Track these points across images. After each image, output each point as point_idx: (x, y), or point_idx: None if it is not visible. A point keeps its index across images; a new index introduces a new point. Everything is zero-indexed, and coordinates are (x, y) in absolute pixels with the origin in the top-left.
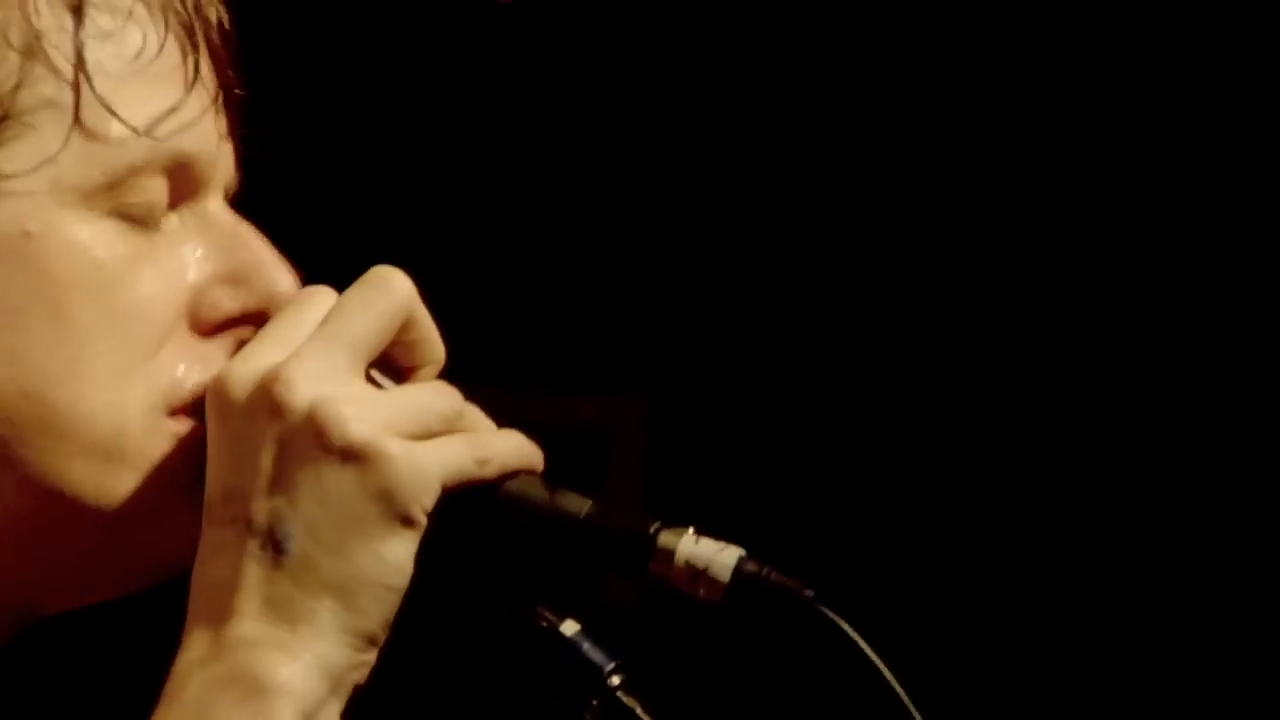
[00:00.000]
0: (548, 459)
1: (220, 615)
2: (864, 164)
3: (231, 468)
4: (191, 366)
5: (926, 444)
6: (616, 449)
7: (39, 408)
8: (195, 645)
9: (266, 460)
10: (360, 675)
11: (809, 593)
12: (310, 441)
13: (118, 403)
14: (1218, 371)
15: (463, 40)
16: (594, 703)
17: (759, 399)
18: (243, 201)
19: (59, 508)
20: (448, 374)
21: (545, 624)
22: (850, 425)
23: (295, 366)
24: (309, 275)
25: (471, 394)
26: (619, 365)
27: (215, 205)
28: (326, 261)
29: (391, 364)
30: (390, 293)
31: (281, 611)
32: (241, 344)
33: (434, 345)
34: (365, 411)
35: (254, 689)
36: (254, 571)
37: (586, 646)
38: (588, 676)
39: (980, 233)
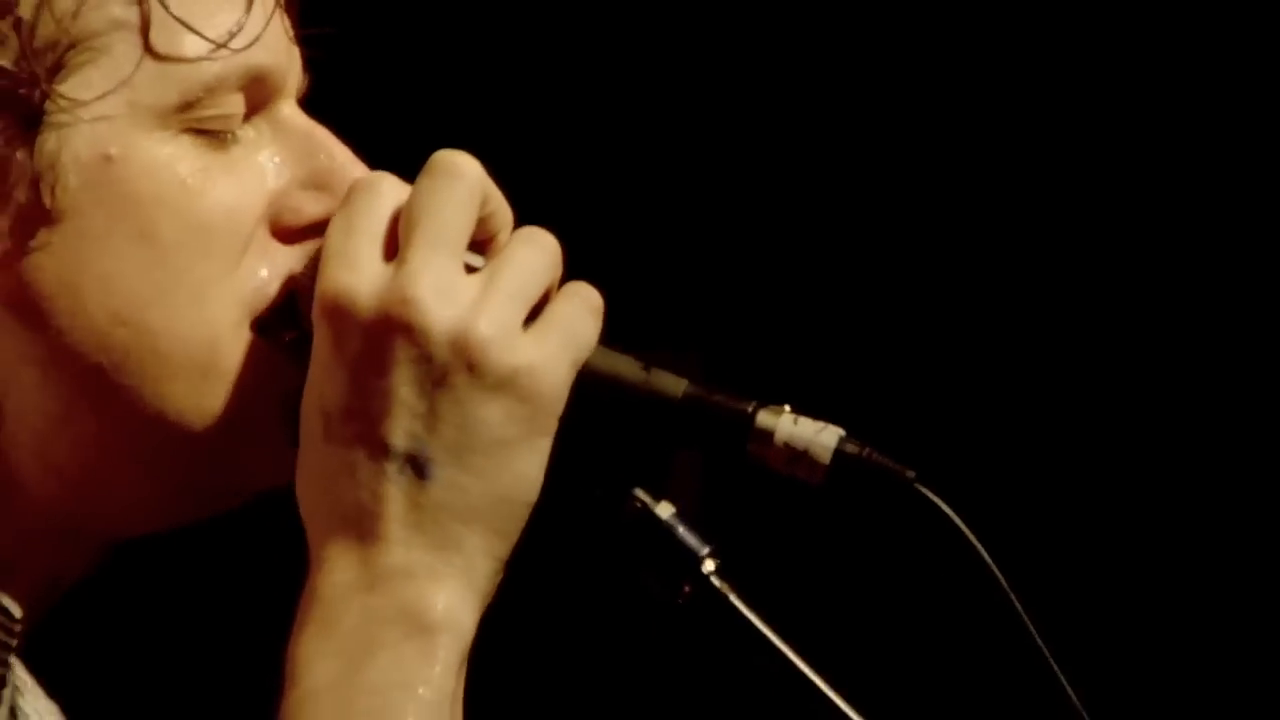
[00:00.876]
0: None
1: (364, 540)
2: (908, 120)
3: (353, 385)
4: (274, 272)
5: (986, 369)
6: None
7: (134, 332)
8: (342, 568)
9: (400, 383)
10: (493, 594)
11: (910, 473)
12: (453, 368)
13: (208, 318)
14: (1219, 365)
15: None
16: (686, 587)
17: (810, 355)
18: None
19: (160, 432)
20: None
21: (640, 506)
22: (913, 378)
23: (418, 284)
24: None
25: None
26: (671, 326)
27: (289, 110)
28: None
29: (472, 240)
30: (466, 178)
31: (430, 537)
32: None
33: (505, 211)
34: (501, 322)
35: (417, 623)
36: (395, 496)
37: (682, 530)
38: (682, 560)
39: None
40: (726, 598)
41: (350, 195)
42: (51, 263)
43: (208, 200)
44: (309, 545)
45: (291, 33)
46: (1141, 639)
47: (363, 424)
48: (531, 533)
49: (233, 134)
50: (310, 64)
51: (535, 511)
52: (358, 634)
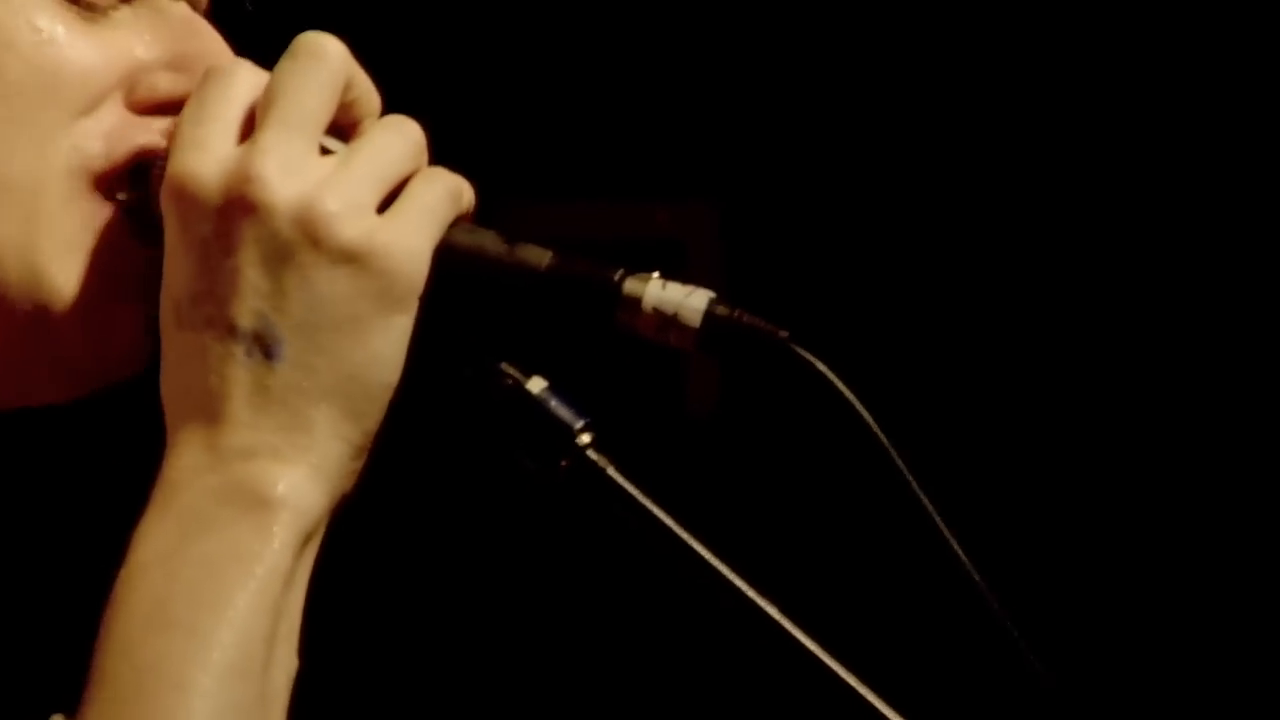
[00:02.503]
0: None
1: (211, 422)
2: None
3: (201, 269)
4: (119, 137)
5: (998, 244)
6: (692, 258)
7: None
8: (186, 452)
9: (245, 262)
10: (352, 482)
11: (783, 333)
12: (298, 244)
13: (40, 161)
14: (1219, 364)
15: None
16: (563, 462)
17: (830, 204)
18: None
19: None
20: (521, 180)
21: (510, 382)
22: (922, 224)
23: (264, 161)
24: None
25: (547, 207)
26: (691, 173)
27: (177, 4)
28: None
29: (334, 125)
30: (328, 59)
31: (276, 418)
32: None
33: (372, 97)
34: (349, 199)
35: (254, 502)
36: (242, 377)
37: (554, 404)
38: (556, 435)
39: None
40: (604, 471)
41: (204, 80)
42: None
43: (59, 50)
44: (166, 436)
45: None
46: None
47: (211, 307)
48: (402, 417)
49: (103, 8)
50: None
51: (403, 395)
52: (193, 510)
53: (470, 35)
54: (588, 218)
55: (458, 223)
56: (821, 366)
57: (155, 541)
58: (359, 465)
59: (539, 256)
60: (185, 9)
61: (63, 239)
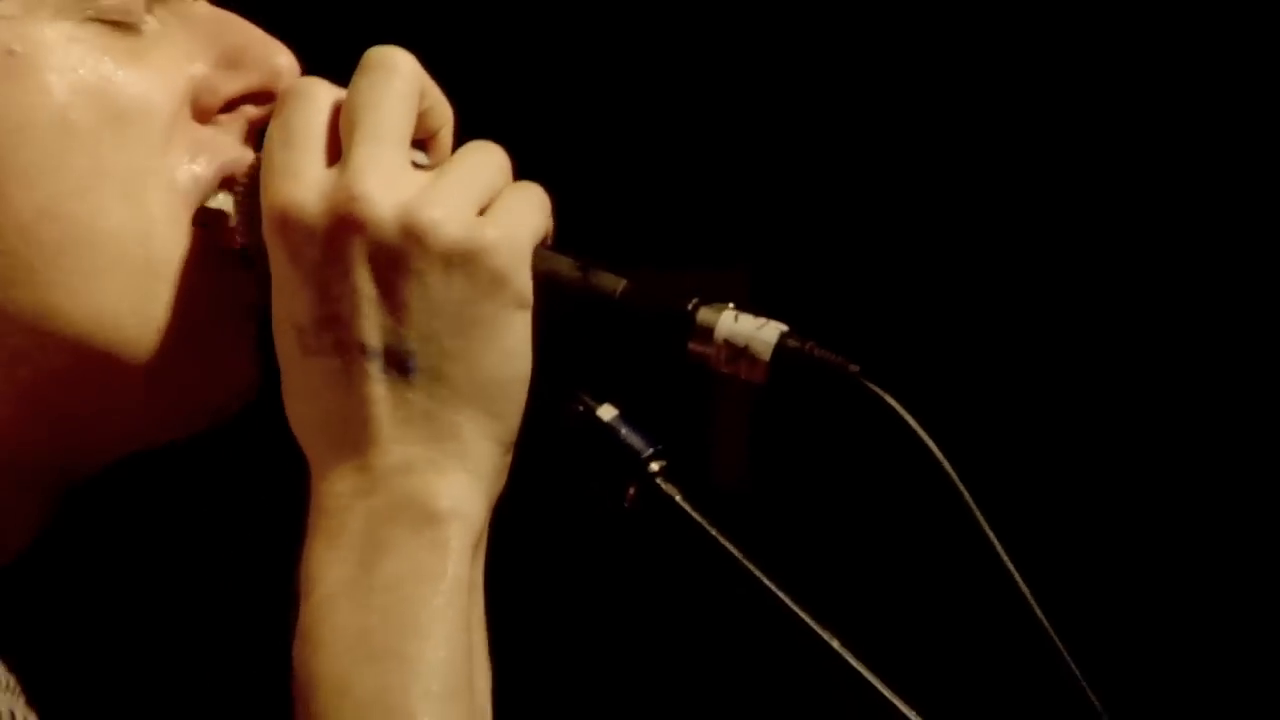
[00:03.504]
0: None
1: (359, 445)
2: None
3: (320, 294)
4: (202, 157)
5: (1028, 312)
6: None
7: (65, 225)
8: (340, 478)
9: (362, 280)
10: (503, 480)
11: (855, 368)
12: (410, 253)
13: (140, 209)
14: (1219, 368)
15: None
16: (631, 490)
17: (860, 271)
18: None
19: (99, 339)
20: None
21: (582, 408)
22: (953, 294)
23: (363, 179)
24: None
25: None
26: (722, 240)
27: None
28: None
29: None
30: (401, 71)
31: (424, 430)
32: (251, 125)
33: (444, 106)
34: (451, 206)
35: (424, 516)
36: (382, 395)
37: (625, 431)
38: (625, 462)
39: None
40: (672, 500)
41: (282, 104)
42: None
43: (119, 86)
44: (310, 465)
45: None
46: (1102, 544)
47: (335, 330)
48: None
49: (135, 24)
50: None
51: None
52: (366, 535)
53: (506, 102)
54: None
55: (536, 247)
56: (892, 401)
57: (333, 571)
58: (508, 462)
59: (613, 283)
60: (208, 5)
61: (182, 287)
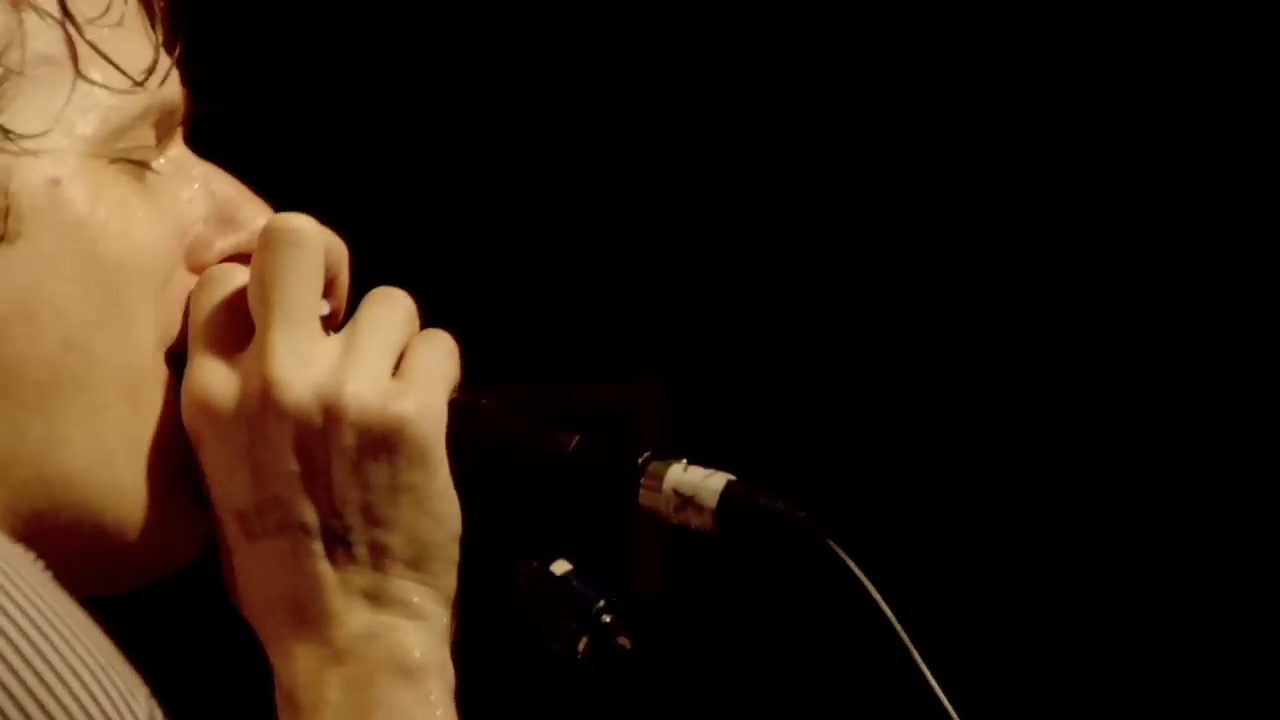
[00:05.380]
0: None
1: (317, 623)
2: (881, 152)
3: (256, 479)
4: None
5: (951, 425)
6: (640, 433)
7: (83, 358)
8: (302, 657)
9: (292, 463)
10: (450, 634)
11: (801, 514)
12: (334, 434)
13: (138, 345)
14: (1218, 371)
15: (471, 28)
16: (584, 640)
17: (780, 380)
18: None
19: (93, 480)
20: (470, 363)
21: (535, 563)
22: (870, 405)
23: (277, 364)
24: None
25: (492, 384)
26: (640, 350)
27: (181, 149)
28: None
29: None
30: (305, 242)
31: (376, 599)
32: None
33: (340, 250)
34: (366, 376)
35: (402, 671)
36: (328, 572)
37: (576, 584)
38: (577, 614)
39: (994, 220)
40: (624, 648)
41: (198, 289)
42: (6, 286)
43: (140, 226)
44: (266, 648)
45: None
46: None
47: (276, 513)
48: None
49: (150, 166)
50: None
51: None
52: (347, 703)
53: (410, 215)
54: (536, 396)
55: (476, 399)
56: (836, 547)
57: None
58: (451, 612)
59: (566, 439)
60: (193, 157)
61: (161, 425)
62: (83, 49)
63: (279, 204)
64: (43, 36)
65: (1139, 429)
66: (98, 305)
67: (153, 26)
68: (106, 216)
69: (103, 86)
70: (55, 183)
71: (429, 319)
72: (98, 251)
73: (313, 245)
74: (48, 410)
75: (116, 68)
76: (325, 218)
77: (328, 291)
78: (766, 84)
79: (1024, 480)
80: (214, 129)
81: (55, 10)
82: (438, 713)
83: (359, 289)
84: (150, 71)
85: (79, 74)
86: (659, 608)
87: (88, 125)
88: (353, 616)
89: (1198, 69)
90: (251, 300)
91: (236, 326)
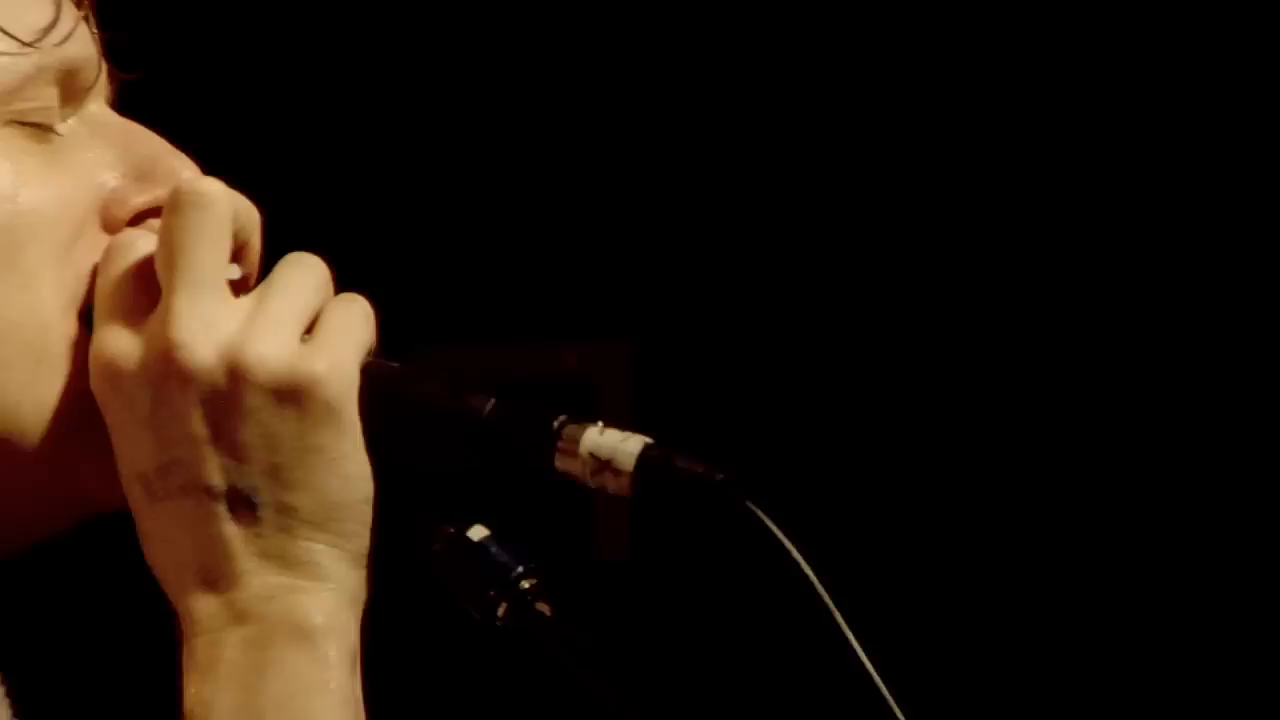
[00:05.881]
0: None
1: (219, 583)
2: (849, 123)
3: (158, 442)
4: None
5: (913, 385)
6: (601, 398)
7: None
8: (204, 617)
9: (197, 425)
10: (364, 594)
11: (719, 476)
12: (239, 394)
13: (37, 303)
14: (1218, 371)
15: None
16: (503, 607)
17: (740, 343)
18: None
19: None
20: (426, 324)
21: (452, 530)
22: (832, 367)
23: (180, 326)
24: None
25: (453, 349)
26: (600, 314)
27: (100, 108)
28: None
29: None
30: (212, 205)
31: (280, 560)
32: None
33: (252, 215)
34: (274, 339)
35: (299, 633)
36: (234, 533)
37: (495, 550)
38: (496, 580)
39: (956, 189)
40: (544, 615)
41: (106, 255)
42: None
43: (34, 188)
44: (174, 608)
45: (97, 33)
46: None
47: (178, 474)
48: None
49: (52, 128)
50: (114, 73)
51: None
52: (245, 662)
53: (374, 176)
54: (497, 360)
55: (389, 364)
56: (758, 510)
57: (220, 700)
58: (364, 576)
59: (480, 401)
60: (117, 117)
61: (72, 380)
62: None
63: (210, 169)
64: None
65: (1096, 407)
66: None
67: None
68: None
69: None
70: None
71: (389, 281)
72: None
73: (219, 208)
74: None
75: (2, 32)
76: (258, 183)
77: (238, 256)
78: (731, 52)
79: (980, 454)
80: (145, 92)
81: None
82: (333, 673)
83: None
84: (47, 31)
85: None
86: (620, 571)
87: None
88: (255, 578)
89: (1198, 69)
90: (158, 265)
91: (144, 293)
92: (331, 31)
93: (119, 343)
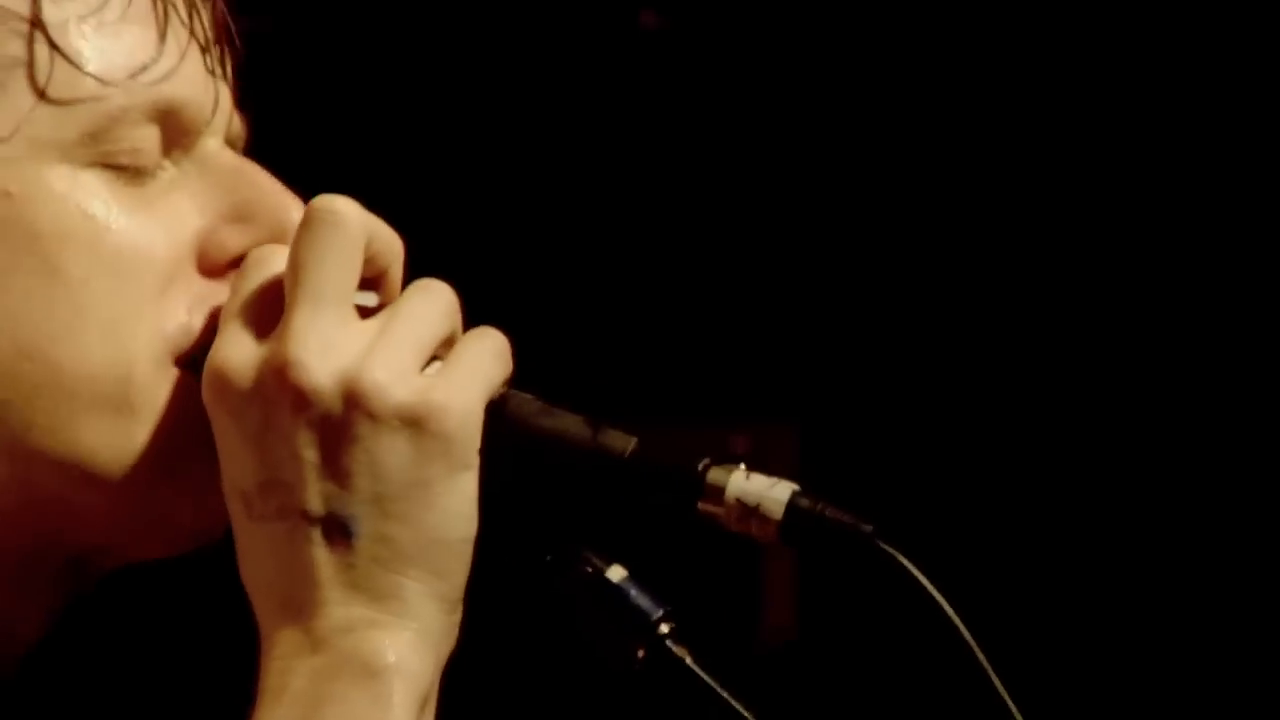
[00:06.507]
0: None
1: (303, 610)
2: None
3: (262, 460)
4: (199, 309)
5: (1083, 466)
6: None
7: (42, 367)
8: (284, 640)
9: (305, 448)
10: (454, 638)
11: (867, 527)
12: (351, 420)
13: (121, 353)
14: (1218, 371)
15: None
16: (640, 652)
17: (907, 424)
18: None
19: (75, 472)
20: (604, 411)
21: (591, 569)
22: (995, 445)
23: (299, 344)
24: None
25: (625, 428)
26: (770, 397)
27: (214, 146)
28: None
29: (362, 280)
30: (343, 224)
31: (366, 592)
32: None
33: (392, 243)
34: (394, 367)
35: (367, 671)
36: (325, 560)
37: (634, 593)
38: (635, 624)
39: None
40: (682, 661)
41: (240, 271)
42: None
43: (116, 235)
44: (258, 628)
45: (219, 72)
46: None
47: (281, 496)
48: (484, 598)
49: (148, 170)
50: (252, 116)
51: (486, 577)
52: (306, 692)
53: (554, 258)
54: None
55: (530, 400)
56: (905, 561)
57: None
58: (456, 619)
59: (623, 442)
60: (228, 154)
61: (162, 426)
62: (49, 50)
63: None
64: (14, 40)
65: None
66: (60, 317)
67: (164, 21)
68: (70, 227)
69: (66, 95)
70: (7, 195)
71: (568, 361)
72: (58, 265)
73: (350, 228)
74: (13, 418)
75: (79, 69)
76: (406, 219)
77: (376, 285)
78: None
79: (1117, 512)
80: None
81: (27, 12)
82: (392, 714)
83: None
84: (141, 70)
85: (40, 76)
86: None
87: (53, 130)
88: (338, 609)
89: (1198, 69)
90: (286, 281)
91: (269, 308)
92: (461, 78)
93: (235, 355)
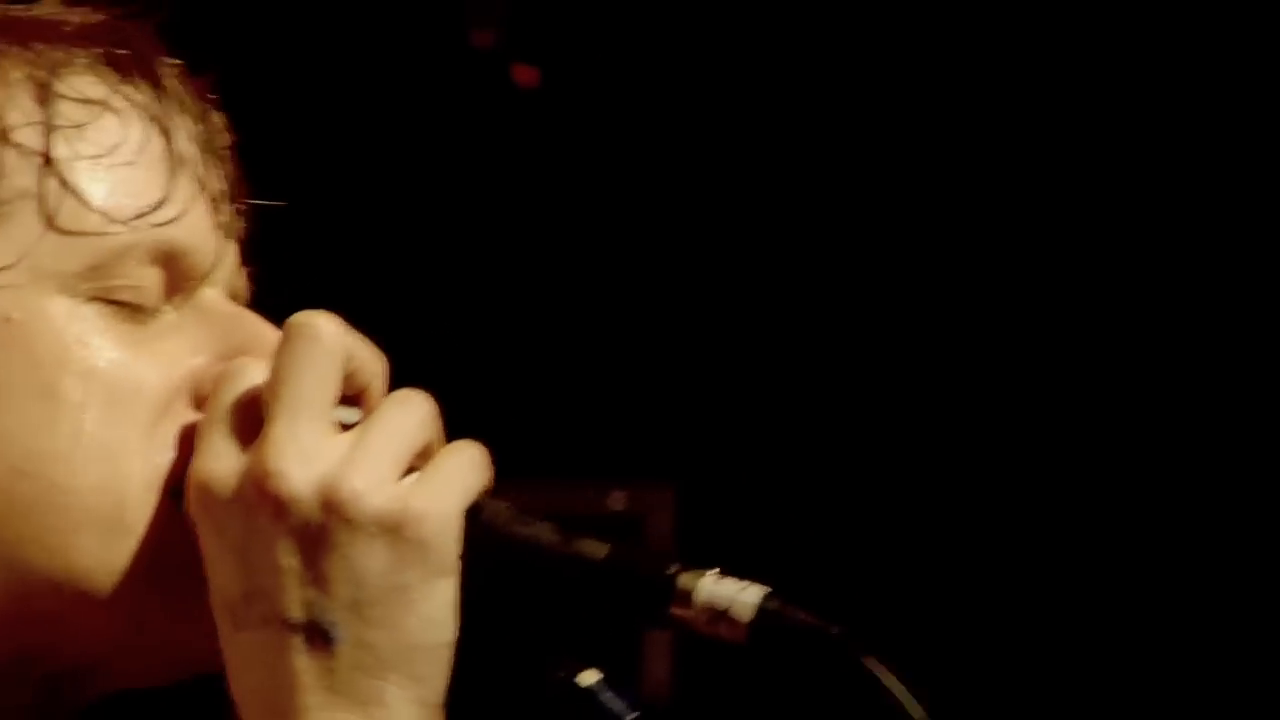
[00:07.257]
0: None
1: (286, 717)
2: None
3: (245, 570)
4: (189, 442)
5: (963, 520)
6: (648, 538)
7: (36, 484)
8: None
9: (285, 556)
10: None
11: (835, 630)
12: (330, 527)
13: (115, 476)
14: (1218, 371)
15: (486, 122)
16: None
17: (787, 483)
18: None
19: (68, 589)
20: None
21: (562, 674)
22: (877, 507)
23: (278, 454)
24: None
25: (502, 485)
26: (648, 456)
27: (215, 295)
28: None
29: (343, 397)
30: (322, 339)
31: (349, 697)
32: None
33: (373, 361)
34: (372, 475)
35: None
36: (306, 667)
37: (605, 696)
38: None
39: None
40: None
41: (214, 385)
42: None
43: (116, 370)
44: None
45: (227, 225)
46: None
47: (262, 604)
48: (463, 703)
49: (149, 309)
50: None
51: (460, 685)
52: None
53: (435, 319)
54: (548, 497)
55: (505, 508)
56: (872, 664)
57: None
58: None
59: (596, 549)
60: (229, 303)
61: (151, 550)
62: (58, 185)
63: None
64: (25, 172)
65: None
66: (57, 438)
67: (174, 172)
68: (69, 355)
69: (73, 228)
70: (8, 321)
71: (458, 416)
72: (56, 389)
73: (329, 342)
74: (7, 534)
75: (86, 205)
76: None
77: (358, 400)
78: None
79: (1037, 562)
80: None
81: (39, 147)
82: None
83: None
84: (148, 211)
85: (49, 210)
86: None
87: (57, 261)
88: (320, 713)
89: (1198, 69)
90: (265, 394)
91: (249, 420)
92: (388, 166)
93: (216, 466)
